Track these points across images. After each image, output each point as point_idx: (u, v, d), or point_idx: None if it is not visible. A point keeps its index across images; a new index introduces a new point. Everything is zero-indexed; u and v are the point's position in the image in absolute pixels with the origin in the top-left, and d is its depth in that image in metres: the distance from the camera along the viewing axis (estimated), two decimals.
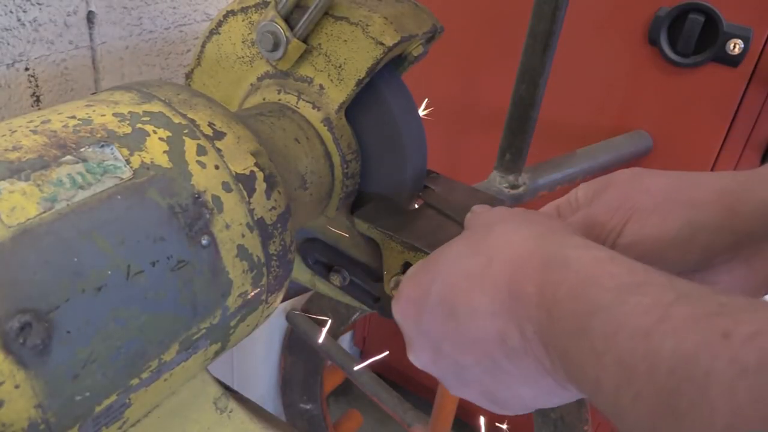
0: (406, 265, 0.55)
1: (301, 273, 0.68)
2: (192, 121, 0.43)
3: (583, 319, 0.30)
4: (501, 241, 0.38)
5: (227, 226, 0.42)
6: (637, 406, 0.27)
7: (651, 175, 0.44)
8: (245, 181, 0.44)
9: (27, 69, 0.66)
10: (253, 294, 0.45)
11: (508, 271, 0.36)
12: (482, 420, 1.27)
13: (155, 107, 0.43)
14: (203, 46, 0.62)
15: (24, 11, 0.64)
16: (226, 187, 0.42)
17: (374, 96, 0.58)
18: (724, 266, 0.43)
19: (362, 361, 1.32)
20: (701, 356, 0.25)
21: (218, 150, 0.43)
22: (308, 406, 1.57)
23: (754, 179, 0.41)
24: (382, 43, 0.53)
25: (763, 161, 1.07)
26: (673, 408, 0.25)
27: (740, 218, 0.40)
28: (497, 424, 1.45)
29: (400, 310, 0.44)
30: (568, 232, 0.37)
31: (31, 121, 0.39)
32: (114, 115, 0.41)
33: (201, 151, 0.42)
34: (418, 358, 0.44)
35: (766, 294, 0.43)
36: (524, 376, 0.37)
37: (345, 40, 0.54)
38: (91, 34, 0.71)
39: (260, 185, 0.45)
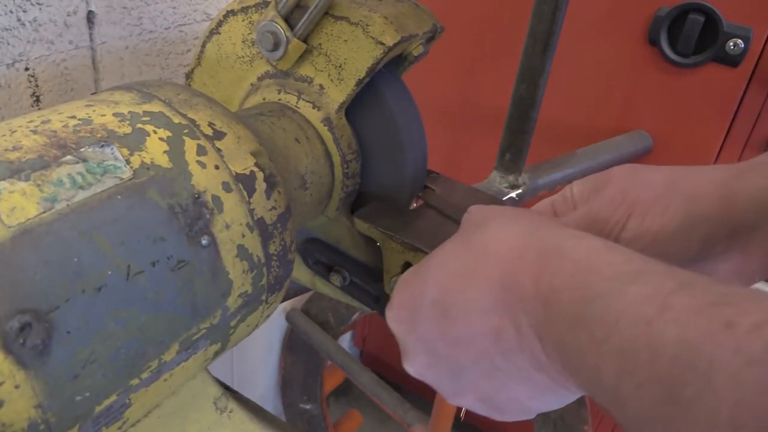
0: (407, 265, 0.55)
1: (301, 273, 0.68)
2: (192, 121, 0.43)
3: (582, 307, 0.30)
4: (492, 237, 0.37)
5: (227, 226, 0.42)
6: (640, 395, 0.26)
7: (648, 170, 0.45)
8: (245, 181, 0.44)
9: (27, 69, 0.66)
10: (253, 294, 0.45)
11: (501, 265, 0.35)
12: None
13: (155, 107, 0.43)
14: (203, 45, 0.62)
15: (24, 11, 0.64)
16: (226, 187, 0.42)
17: (374, 96, 0.58)
18: (721, 255, 0.43)
19: (362, 362, 1.32)
20: (705, 345, 0.24)
21: (218, 150, 0.43)
22: (308, 406, 1.57)
23: (747, 170, 0.41)
24: (382, 43, 0.53)
25: None
26: (677, 396, 0.25)
27: (736, 208, 0.41)
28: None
29: (393, 317, 0.43)
30: (560, 225, 0.37)
31: (31, 121, 0.39)
32: (114, 115, 0.41)
33: (201, 151, 0.42)
34: (413, 364, 0.43)
35: (760, 280, 0.44)
36: (519, 374, 0.36)
37: (345, 40, 0.54)
38: (91, 34, 0.71)
39: (260, 185, 0.45)
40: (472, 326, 0.36)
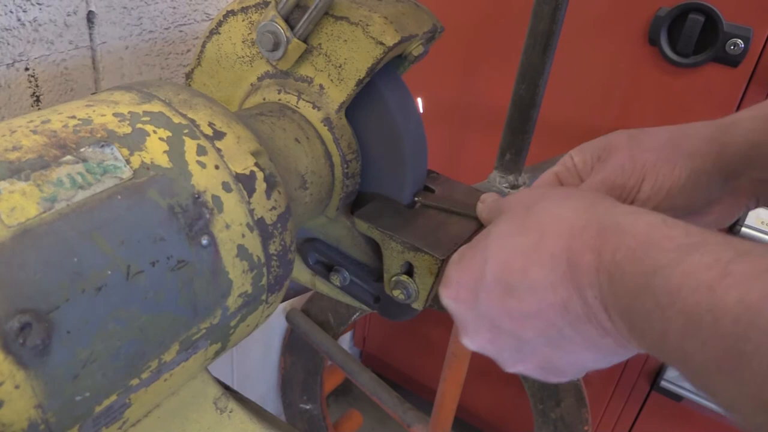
0: (407, 265, 0.55)
1: (301, 273, 0.68)
2: (192, 121, 0.43)
3: (646, 278, 0.33)
4: (549, 216, 0.40)
5: (227, 226, 0.42)
6: (704, 351, 0.30)
7: (646, 134, 0.50)
8: (245, 181, 0.44)
9: (27, 69, 0.66)
10: (253, 294, 0.45)
11: (564, 243, 0.38)
12: None
13: (155, 107, 0.43)
14: (203, 46, 0.62)
15: (24, 11, 0.64)
16: (226, 187, 0.42)
17: (374, 96, 0.58)
18: (716, 200, 0.49)
19: (362, 362, 1.32)
20: (764, 306, 0.28)
21: (218, 150, 0.43)
22: (308, 406, 1.57)
23: (731, 125, 0.47)
24: (382, 43, 0.53)
25: None
26: (739, 351, 0.28)
27: (726, 160, 0.47)
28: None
29: (452, 295, 0.45)
30: (612, 202, 0.40)
31: (31, 121, 0.39)
32: (114, 115, 0.41)
33: (201, 151, 0.42)
34: (474, 340, 0.45)
35: (748, 212, 0.51)
36: (586, 341, 0.39)
37: (345, 40, 0.54)
38: (91, 34, 0.71)
39: (260, 185, 0.45)
40: (539, 302, 0.39)
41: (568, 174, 0.53)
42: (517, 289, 0.40)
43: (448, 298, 0.46)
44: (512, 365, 0.44)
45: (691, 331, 0.30)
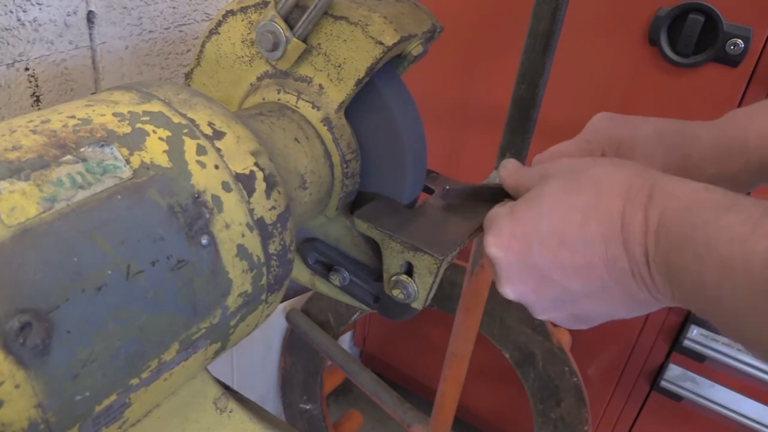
0: (406, 265, 0.55)
1: (301, 273, 0.68)
2: (192, 120, 0.43)
3: (688, 233, 0.38)
4: (607, 178, 0.44)
5: (227, 226, 0.42)
6: (736, 294, 0.35)
7: (694, 126, 0.54)
8: (245, 181, 0.44)
9: (27, 69, 0.66)
10: (252, 293, 0.45)
11: (620, 203, 0.42)
12: None
13: (155, 107, 0.43)
14: (203, 46, 0.62)
15: (24, 11, 0.64)
16: (226, 186, 0.42)
17: (374, 96, 0.58)
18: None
19: (362, 362, 1.32)
20: None
21: (218, 150, 0.43)
22: (308, 406, 1.57)
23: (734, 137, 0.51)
24: (381, 43, 0.53)
25: None
26: (766, 291, 0.33)
27: (735, 159, 0.51)
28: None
29: (502, 245, 0.47)
30: (659, 171, 0.44)
31: (31, 121, 0.39)
32: (114, 114, 0.41)
33: (201, 150, 0.42)
34: (516, 288, 0.48)
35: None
36: (624, 294, 0.43)
37: (344, 40, 0.54)
38: (91, 34, 0.71)
39: (260, 185, 0.45)
40: (592, 255, 0.43)
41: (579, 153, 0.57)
42: (573, 242, 0.43)
43: (497, 247, 0.47)
44: (546, 312, 0.48)
45: (725, 277, 0.35)
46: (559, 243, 0.44)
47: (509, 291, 0.48)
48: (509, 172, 0.54)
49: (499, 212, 0.49)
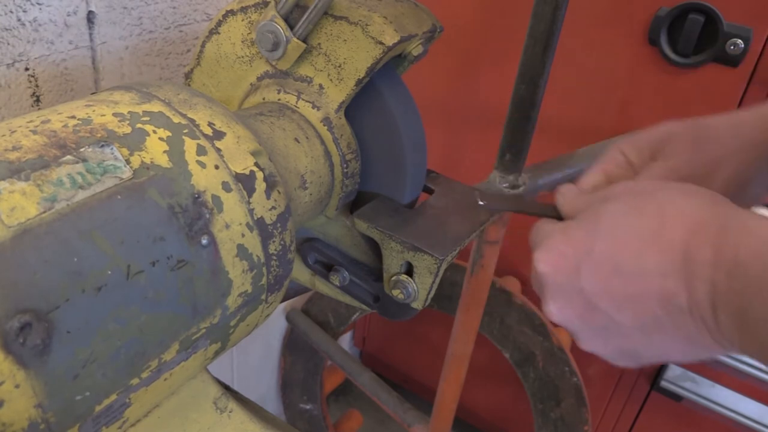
0: (406, 265, 0.55)
1: (301, 273, 0.68)
2: (192, 120, 0.43)
3: None
4: (672, 206, 0.40)
5: (227, 226, 0.42)
6: None
7: (704, 126, 0.50)
8: (245, 181, 0.44)
9: (27, 69, 0.66)
10: (252, 293, 0.45)
11: (685, 235, 0.38)
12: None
13: (155, 107, 0.43)
14: (203, 45, 0.62)
15: (24, 11, 0.64)
16: (226, 186, 0.42)
17: (374, 96, 0.58)
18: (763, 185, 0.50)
19: (362, 362, 1.32)
20: None
21: (218, 150, 0.43)
22: (308, 406, 1.57)
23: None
24: (381, 43, 0.53)
25: None
26: None
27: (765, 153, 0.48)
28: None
29: (551, 262, 0.44)
30: (731, 203, 0.40)
31: (31, 121, 0.39)
32: (114, 115, 0.41)
33: (201, 150, 0.42)
34: (562, 312, 0.45)
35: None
36: (680, 333, 0.39)
37: (345, 40, 0.54)
38: (91, 34, 0.71)
39: (260, 185, 0.45)
40: (645, 287, 0.39)
41: (619, 169, 0.52)
42: (627, 271, 0.40)
43: (546, 263, 0.45)
44: (592, 344, 0.45)
45: None
46: (612, 269, 0.41)
47: (554, 312, 0.45)
48: (568, 199, 0.51)
49: (552, 228, 0.46)
